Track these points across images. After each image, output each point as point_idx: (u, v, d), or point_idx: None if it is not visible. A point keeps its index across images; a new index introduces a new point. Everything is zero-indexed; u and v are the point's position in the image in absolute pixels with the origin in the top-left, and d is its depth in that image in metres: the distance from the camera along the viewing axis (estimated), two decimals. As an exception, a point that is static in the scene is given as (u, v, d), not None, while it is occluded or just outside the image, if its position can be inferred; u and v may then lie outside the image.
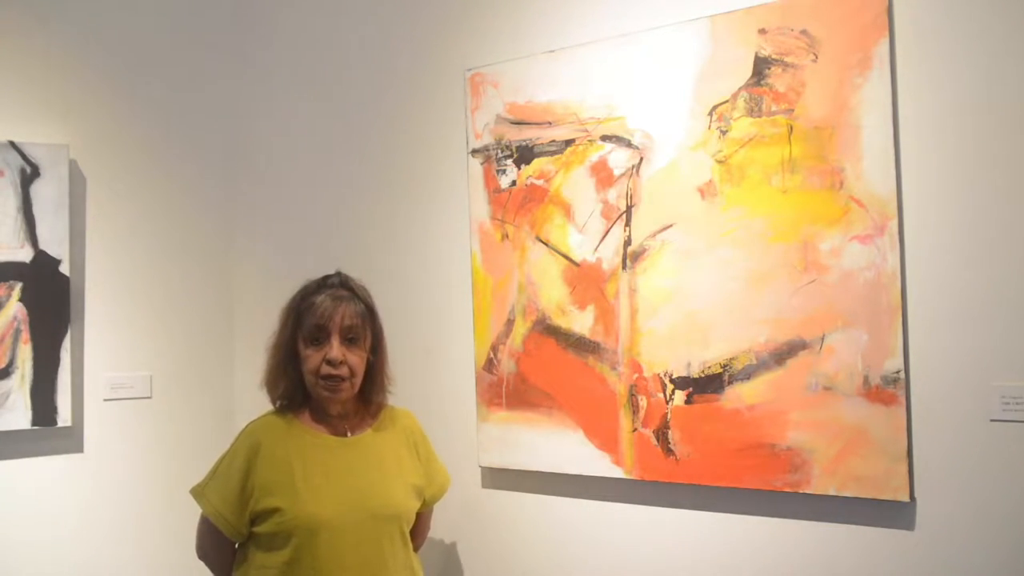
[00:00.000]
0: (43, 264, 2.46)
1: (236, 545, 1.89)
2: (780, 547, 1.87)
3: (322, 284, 1.92)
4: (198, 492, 1.87)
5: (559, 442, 2.13)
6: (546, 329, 2.16)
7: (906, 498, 1.69)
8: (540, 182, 2.18)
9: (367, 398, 1.97)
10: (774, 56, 1.85)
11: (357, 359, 1.89)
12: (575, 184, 2.12)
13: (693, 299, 1.94)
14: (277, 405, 1.93)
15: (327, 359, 1.84)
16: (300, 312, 1.88)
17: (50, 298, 2.46)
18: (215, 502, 1.82)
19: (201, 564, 1.94)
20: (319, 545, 1.77)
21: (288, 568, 1.77)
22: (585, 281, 2.10)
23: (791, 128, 1.83)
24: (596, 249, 2.08)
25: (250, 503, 1.80)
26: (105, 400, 2.59)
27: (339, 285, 1.92)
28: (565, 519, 2.17)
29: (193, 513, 1.88)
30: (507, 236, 2.24)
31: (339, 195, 2.65)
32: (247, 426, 1.91)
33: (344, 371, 1.85)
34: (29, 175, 2.46)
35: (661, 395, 1.97)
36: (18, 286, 2.43)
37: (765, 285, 1.85)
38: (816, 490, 1.79)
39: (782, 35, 1.84)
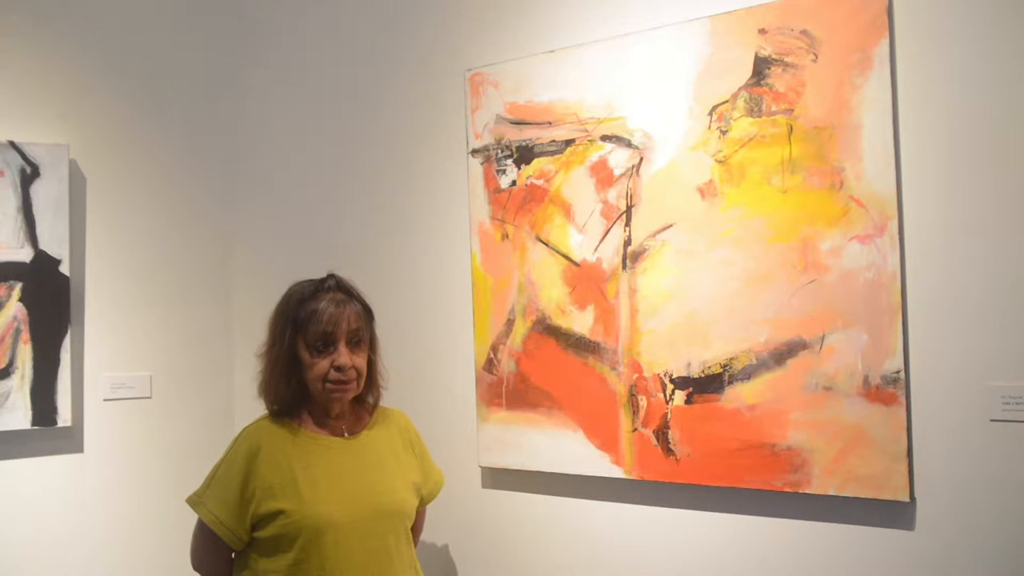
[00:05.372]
0: (43, 264, 2.46)
1: (233, 554, 1.87)
2: (780, 547, 1.87)
3: (318, 288, 1.89)
4: (195, 500, 1.84)
5: (559, 442, 2.13)
6: (546, 329, 2.16)
7: (906, 498, 1.69)
8: (540, 182, 2.18)
9: (362, 397, 1.96)
10: (774, 56, 1.85)
11: (361, 360, 1.88)
12: (575, 184, 2.12)
13: (693, 299, 1.94)
14: (274, 410, 1.91)
15: (336, 366, 1.83)
16: (299, 319, 1.85)
17: (50, 298, 2.46)
18: (214, 509, 1.80)
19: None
20: (326, 545, 1.76)
21: (294, 571, 1.76)
22: (585, 281, 2.10)
23: (791, 128, 1.83)
24: (596, 249, 2.08)
25: (251, 507, 1.78)
26: (105, 400, 2.59)
27: (336, 288, 1.90)
28: (565, 519, 2.17)
29: (193, 513, 1.87)
30: (507, 236, 2.24)
31: (339, 194, 2.65)
32: (243, 430, 1.89)
33: (352, 375, 1.85)
34: (29, 175, 2.46)
35: (661, 395, 1.97)
36: (18, 286, 2.42)
37: (765, 285, 1.85)
38: (816, 490, 1.79)
39: (782, 35, 1.84)
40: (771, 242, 1.85)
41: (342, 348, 1.85)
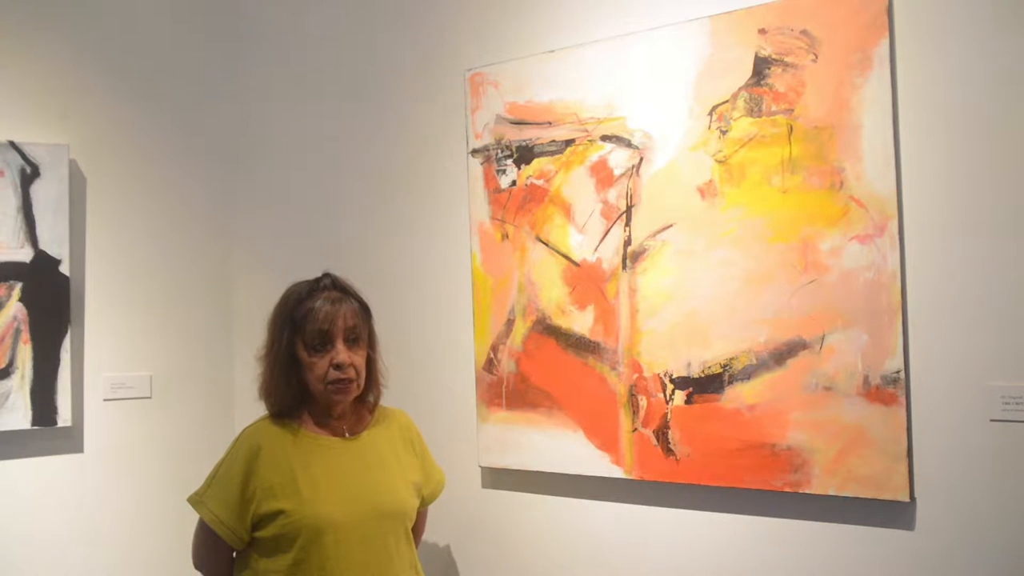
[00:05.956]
0: (43, 264, 2.46)
1: (234, 553, 1.88)
2: (780, 547, 1.87)
3: (314, 288, 1.89)
4: (196, 500, 1.84)
5: (559, 442, 2.13)
6: (546, 329, 2.16)
7: (906, 498, 1.69)
8: (540, 182, 2.18)
9: (363, 396, 1.96)
10: (774, 56, 1.85)
11: (360, 358, 1.89)
12: (575, 184, 2.12)
13: (693, 299, 1.94)
14: (275, 411, 1.91)
15: (335, 364, 1.83)
16: (296, 319, 1.86)
17: (50, 298, 2.46)
18: (215, 509, 1.80)
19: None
20: (326, 545, 1.76)
21: (294, 570, 1.76)
22: (585, 281, 2.10)
23: (791, 128, 1.83)
24: (596, 249, 2.08)
25: (251, 507, 1.79)
26: (105, 400, 2.59)
27: (332, 287, 1.91)
28: (565, 519, 2.17)
29: (193, 512, 1.87)
30: (507, 236, 2.24)
31: (339, 194, 2.65)
32: (244, 430, 1.90)
33: (351, 373, 1.85)
34: (29, 175, 2.46)
35: (661, 395, 1.97)
36: (18, 286, 2.43)
37: (765, 285, 1.85)
38: (816, 490, 1.79)
39: (782, 35, 1.84)
40: (771, 242, 1.85)
41: (340, 346, 1.85)
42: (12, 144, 2.44)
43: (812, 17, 1.80)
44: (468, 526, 2.34)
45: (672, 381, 1.96)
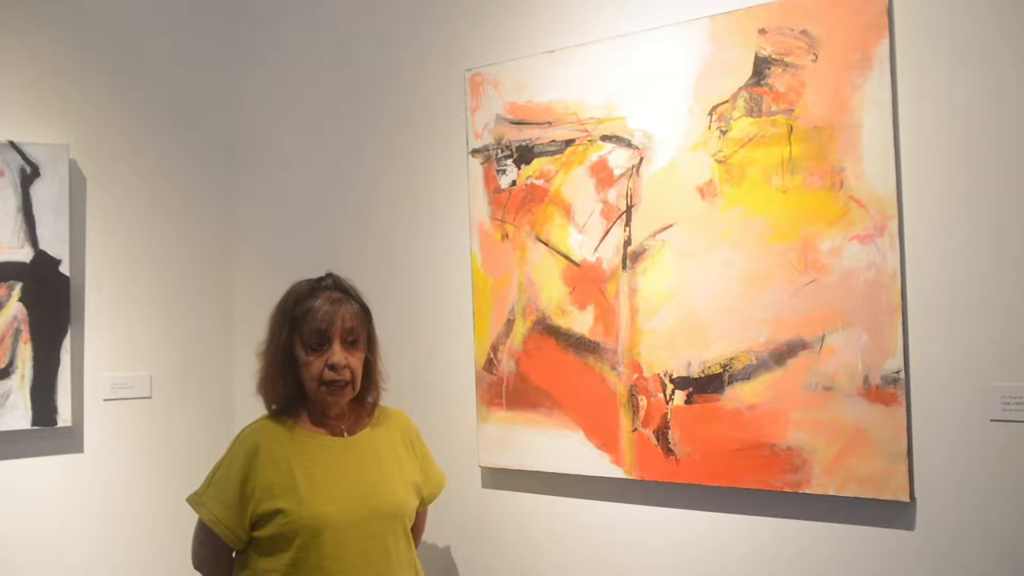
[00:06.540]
0: (43, 264, 2.46)
1: (233, 553, 1.88)
2: (780, 547, 1.87)
3: (315, 287, 1.90)
4: (195, 499, 1.84)
5: (559, 442, 2.13)
6: (546, 329, 2.16)
7: (906, 498, 1.69)
8: (540, 182, 2.18)
9: (362, 397, 1.96)
10: (774, 56, 1.85)
11: (357, 361, 1.89)
12: (575, 184, 2.12)
13: (693, 299, 1.94)
14: (273, 409, 1.92)
15: (330, 364, 1.83)
16: (296, 317, 1.86)
17: (50, 298, 2.46)
18: (214, 508, 1.80)
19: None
20: (324, 545, 1.76)
21: (292, 570, 1.76)
22: (585, 281, 2.10)
23: (791, 128, 1.83)
24: (596, 249, 2.08)
25: (250, 507, 1.79)
26: (105, 400, 2.59)
27: (333, 287, 1.91)
28: (565, 519, 2.17)
29: (193, 512, 1.87)
30: (507, 236, 2.24)
31: (339, 194, 2.65)
32: (243, 430, 1.90)
33: (347, 375, 1.85)
34: (29, 175, 2.46)
35: (661, 395, 1.97)
36: (18, 286, 2.42)
37: (765, 285, 1.85)
38: (816, 490, 1.79)
39: (782, 35, 1.84)
40: (771, 242, 1.85)
41: (336, 347, 1.85)
42: (12, 144, 2.44)
43: (812, 17, 1.80)
44: (468, 526, 2.34)
45: (672, 381, 1.96)
